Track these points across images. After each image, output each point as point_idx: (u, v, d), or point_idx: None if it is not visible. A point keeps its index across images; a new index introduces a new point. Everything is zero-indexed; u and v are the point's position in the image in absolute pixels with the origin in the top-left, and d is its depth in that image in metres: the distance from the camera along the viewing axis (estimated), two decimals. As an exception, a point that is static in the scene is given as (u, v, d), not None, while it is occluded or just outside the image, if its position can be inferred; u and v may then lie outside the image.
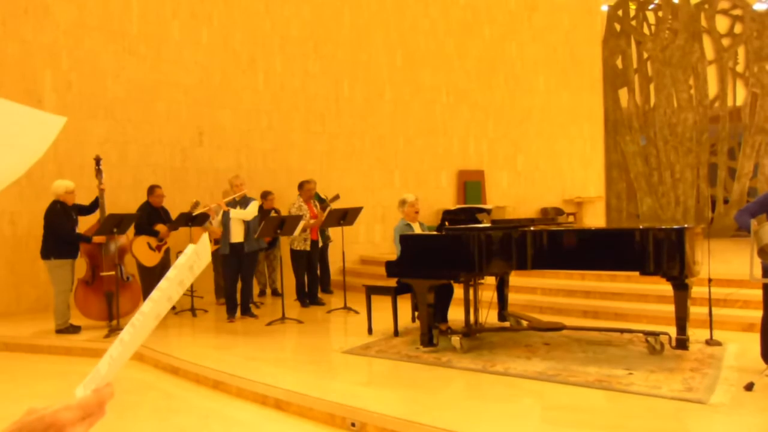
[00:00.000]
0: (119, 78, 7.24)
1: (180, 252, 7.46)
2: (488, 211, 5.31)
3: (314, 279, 6.76)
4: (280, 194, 7.79)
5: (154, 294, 0.74)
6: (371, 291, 5.11)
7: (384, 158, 9.23)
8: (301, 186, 6.68)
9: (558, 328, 4.53)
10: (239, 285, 6.03)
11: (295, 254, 6.66)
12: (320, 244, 6.81)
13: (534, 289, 6.23)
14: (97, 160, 5.60)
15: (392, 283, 5.03)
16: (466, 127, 9.91)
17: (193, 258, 0.78)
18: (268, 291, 7.63)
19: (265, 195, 7.39)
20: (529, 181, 10.27)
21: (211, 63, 7.86)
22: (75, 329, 5.40)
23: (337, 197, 7.24)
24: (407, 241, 4.44)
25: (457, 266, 4.22)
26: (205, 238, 0.78)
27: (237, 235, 5.87)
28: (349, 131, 8.91)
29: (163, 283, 0.75)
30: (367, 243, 8.95)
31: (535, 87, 10.40)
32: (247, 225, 5.89)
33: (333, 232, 7.00)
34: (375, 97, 9.18)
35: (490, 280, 5.10)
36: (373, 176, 9.12)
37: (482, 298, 4.85)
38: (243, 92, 8.10)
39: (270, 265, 7.57)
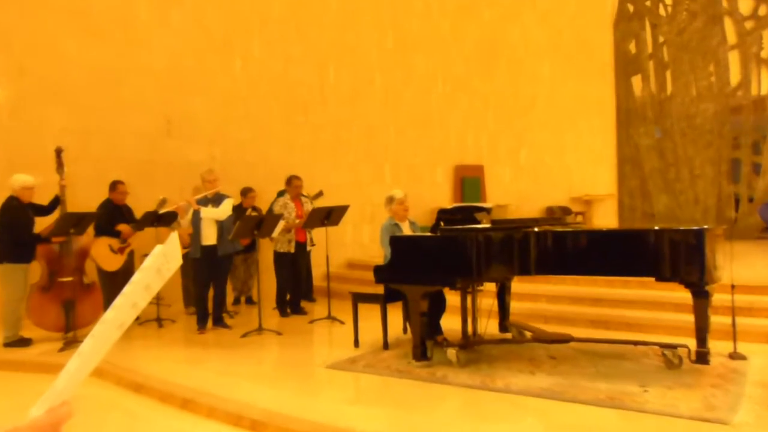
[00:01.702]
0: (80, 62, 7.13)
1: (146, 255, 7.42)
2: (488, 210, 5.27)
3: (297, 286, 6.73)
4: (259, 191, 7.73)
5: (118, 300, 0.68)
6: (358, 299, 5.08)
7: (373, 151, 9.19)
8: (289, 182, 6.67)
9: (565, 339, 4.50)
10: (211, 292, 5.99)
11: (277, 257, 6.63)
12: (309, 248, 6.81)
13: (538, 297, 6.22)
14: (58, 152, 5.50)
15: (381, 290, 4.98)
16: (463, 117, 9.90)
17: (161, 260, 0.72)
18: (243, 298, 7.59)
19: (246, 192, 7.34)
20: (533, 177, 10.27)
21: (182, 45, 7.79)
22: (25, 342, 5.30)
23: (320, 194, 7.17)
24: (397, 243, 4.42)
25: (453, 271, 4.19)
26: (174, 237, 0.71)
27: (209, 237, 5.83)
28: (334, 121, 8.88)
29: (127, 288, 0.69)
30: (354, 245, 8.92)
31: (539, 74, 10.39)
32: (221, 225, 5.84)
33: (316, 233, 6.96)
34: (363, 84, 9.14)
35: (490, 287, 5.08)
36: (361, 171, 9.09)
37: (481, 307, 4.82)
38: (217, 78, 8.03)
39: (247, 270, 7.53)
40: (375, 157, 9.21)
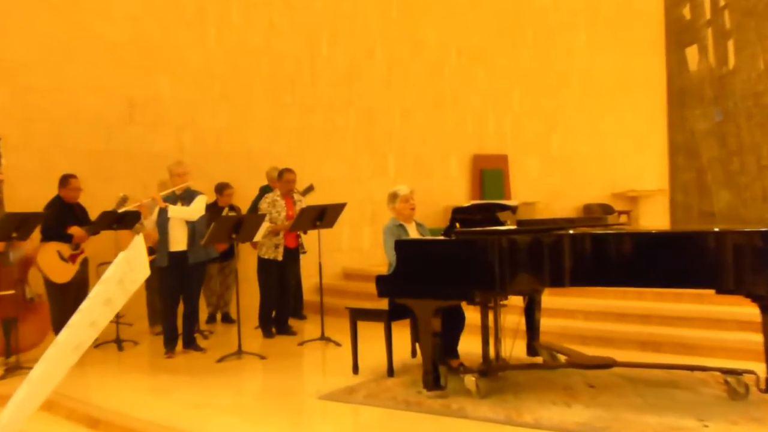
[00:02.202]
0: (21, 32, 7.15)
1: (104, 264, 7.49)
2: (513, 209, 5.31)
3: (285, 300, 6.77)
4: (237, 187, 7.75)
5: (73, 319, 0.69)
6: (357, 315, 5.09)
7: (374, 139, 9.21)
8: (281, 176, 6.71)
9: (606, 364, 4.50)
10: (181, 308, 6.01)
11: (262, 265, 6.66)
12: (301, 253, 6.85)
13: (574, 313, 6.23)
14: (-7, 141, 5.53)
15: (385, 304, 4.99)
16: (482, 97, 9.91)
17: (124, 269, 0.74)
18: (219, 315, 7.64)
19: (221, 188, 7.38)
20: (567, 169, 10.28)
21: (145, 14, 7.81)
22: (-43, 368, 5.32)
23: (310, 189, 7.19)
24: (404, 248, 4.43)
25: (471, 282, 4.20)
26: (139, 241, 0.72)
27: (178, 242, 5.86)
28: (327, 103, 8.90)
29: (84, 304, 0.70)
30: (351, 251, 8.93)
31: (574, 46, 10.40)
32: (192, 227, 5.86)
33: (307, 237, 6.97)
34: (362, 59, 9.15)
35: (516, 301, 5.08)
36: (359, 162, 9.10)
37: (505, 325, 4.82)
38: (188, 52, 8.05)
39: (224, 281, 7.54)
40: (376, 145, 9.22)
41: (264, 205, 6.60)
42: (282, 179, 6.69)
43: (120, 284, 0.61)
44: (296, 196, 6.77)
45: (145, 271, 0.64)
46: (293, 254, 6.75)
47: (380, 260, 8.48)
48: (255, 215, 6.47)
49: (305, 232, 6.83)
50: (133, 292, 0.62)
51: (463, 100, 9.81)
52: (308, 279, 7.63)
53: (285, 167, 6.83)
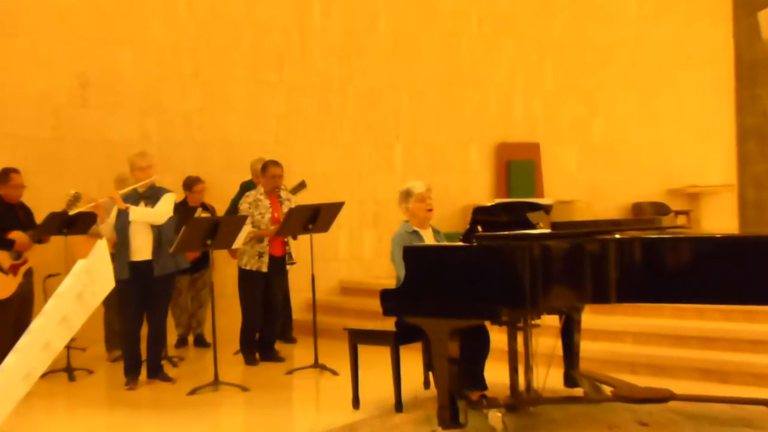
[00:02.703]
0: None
1: (52, 276, 7.49)
2: (546, 209, 5.31)
3: (271, 319, 6.79)
4: (212, 182, 7.75)
5: (22, 341, 0.68)
6: (358, 338, 5.09)
7: (378, 124, 9.20)
8: (265, 170, 6.70)
9: (662, 398, 4.48)
10: (145, 329, 6.01)
11: (244, 277, 6.67)
12: (287, 267, 6.86)
13: (621, 335, 6.21)
14: None
15: (391, 325, 4.99)
16: (509, 74, 9.90)
17: (84, 281, 0.73)
18: (191, 337, 7.64)
19: (191, 184, 7.38)
20: (613, 160, 10.25)
21: (100, -28, 7.83)
22: None
23: (301, 186, 7.17)
24: (415, 256, 4.42)
25: (496, 298, 4.19)
26: (101, 247, 0.72)
27: (141, 249, 5.86)
28: (321, 82, 8.89)
29: (36, 323, 0.70)
30: (350, 260, 8.92)
31: (620, 11, 10.37)
32: (158, 232, 5.87)
33: (296, 243, 6.97)
34: (363, 28, 9.15)
35: (551, 321, 5.07)
36: (360, 154, 9.10)
37: (538, 350, 4.78)
38: (152, 20, 8.06)
39: (197, 297, 7.55)
40: (380, 133, 9.21)
41: (244, 206, 6.60)
42: (266, 174, 6.68)
43: (79, 299, 0.61)
44: (283, 195, 6.77)
45: (109, 283, 0.65)
46: (280, 264, 6.73)
47: (385, 271, 8.46)
48: (234, 217, 6.46)
49: (294, 238, 6.83)
50: (94, 308, 0.62)
51: (486, 77, 9.78)
52: (298, 294, 7.62)
53: (270, 159, 6.83)
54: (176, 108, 8.16)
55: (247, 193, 6.76)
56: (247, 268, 6.60)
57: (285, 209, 6.55)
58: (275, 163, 6.73)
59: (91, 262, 0.63)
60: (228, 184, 7.77)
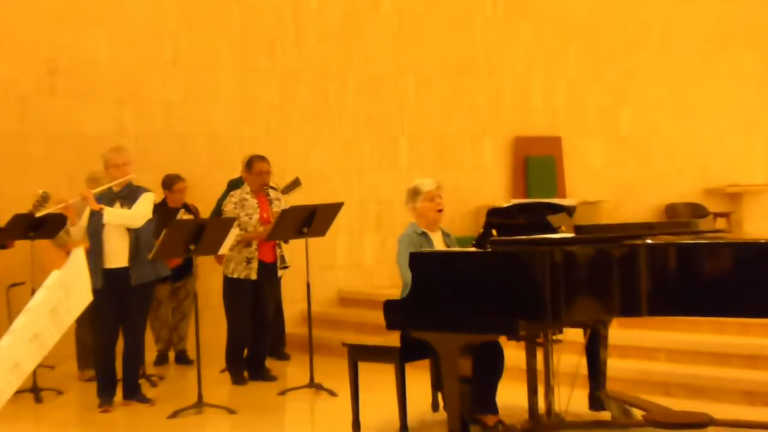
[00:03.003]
0: None
1: (16, 285, 7.42)
2: (569, 211, 5.30)
3: (261, 334, 6.79)
4: (196, 181, 7.77)
5: None
6: (358, 354, 5.09)
7: (381, 116, 9.20)
8: (250, 165, 6.71)
9: (700, 423, 4.48)
10: (121, 344, 6.01)
11: (230, 287, 6.68)
12: (279, 272, 6.85)
13: (654, 352, 6.19)
14: None
15: (396, 340, 4.99)
16: (527, 59, 9.88)
17: (58, 295, 0.77)
18: (172, 354, 7.64)
19: (170, 183, 7.38)
20: (644, 156, 10.23)
21: (71, -54, 7.84)
22: None
23: (295, 184, 7.18)
24: (423, 263, 4.44)
25: (513, 309, 4.20)
26: (78, 256, 0.77)
27: (116, 255, 5.86)
28: (318, 68, 8.89)
29: (4, 341, 0.74)
30: (350, 267, 8.92)
31: (652, -13, 10.35)
32: (135, 236, 5.87)
33: (289, 247, 6.98)
34: (364, 8, 9.16)
35: (574, 336, 5.07)
36: (361, 148, 9.10)
37: (560, 369, 4.79)
38: (130, 1, 8.06)
39: (179, 309, 7.58)
40: (383, 125, 9.21)
41: (229, 206, 6.61)
42: (252, 170, 6.69)
43: (53, 314, 0.64)
44: (272, 194, 6.78)
45: (87, 297, 0.67)
46: (271, 272, 6.73)
47: (389, 279, 8.45)
48: (221, 219, 6.47)
49: (286, 242, 6.82)
50: (69, 324, 0.64)
51: (501, 63, 9.78)
52: (292, 305, 7.63)
53: (255, 155, 6.82)
54: (156, 97, 8.16)
55: (231, 193, 6.77)
56: (234, 276, 6.59)
57: (275, 209, 6.58)
58: (261, 158, 6.74)
59: (67, 274, 0.65)
60: (213, 183, 7.77)
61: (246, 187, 6.72)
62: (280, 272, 6.86)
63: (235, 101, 8.51)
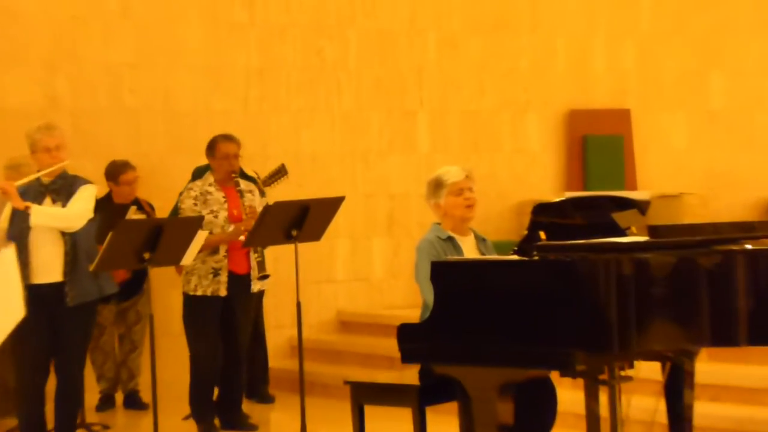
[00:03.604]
0: None
1: None
2: (641, 207, 5.30)
3: (234, 368, 6.79)
4: (152, 170, 7.77)
5: None
6: (364, 396, 5.11)
7: (392, 84, 9.23)
8: (213, 147, 6.71)
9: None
10: (53, 383, 5.97)
11: (194, 306, 6.68)
12: (255, 285, 6.79)
13: (757, 394, 6.13)
14: None
15: (414, 376, 4.99)
16: (586, 10, 9.88)
17: None
18: (120, 396, 7.63)
19: (116, 173, 7.41)
20: (740, 135, 10.20)
21: None
22: None
23: (280, 174, 7.16)
24: (449, 276, 4.42)
25: (567, 336, 4.16)
26: (5, 260, 0.67)
27: (47, 267, 5.86)
28: (310, 23, 8.94)
29: None
30: (354, 282, 8.94)
31: None
32: (72, 242, 5.86)
33: (274, 256, 6.95)
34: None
35: (649, 371, 5.03)
36: (366, 126, 9.14)
37: (630, 415, 4.77)
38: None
39: (128, 336, 7.57)
40: (396, 95, 9.23)
41: (187, 202, 6.57)
42: (215, 154, 6.65)
43: None
44: (244, 185, 6.73)
45: (17, 312, 0.59)
46: (244, 285, 6.70)
47: (403, 297, 8.47)
48: (185, 218, 6.46)
49: (263, 247, 6.75)
50: None
51: (550, 16, 9.81)
52: (277, 331, 7.64)
53: (220, 134, 6.80)
54: (98, 61, 8.19)
55: (189, 185, 6.77)
56: (198, 293, 6.56)
57: (247, 203, 6.57)
58: (227, 138, 6.71)
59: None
60: (174, 172, 7.81)
61: (209, 177, 6.70)
62: (256, 285, 6.77)
63: (202, 66, 8.54)
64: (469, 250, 5.12)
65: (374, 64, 9.13)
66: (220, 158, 6.63)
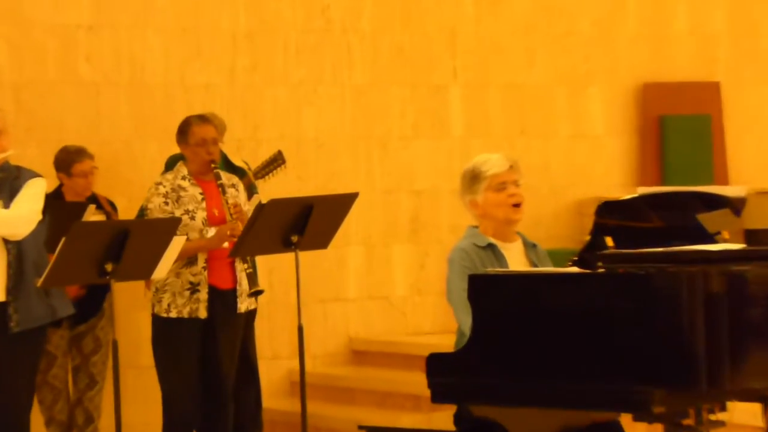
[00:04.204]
0: None
1: None
2: (735, 207, 5.26)
3: (220, 408, 6.80)
4: (114, 159, 7.82)
5: None
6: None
7: (418, 51, 9.27)
8: (185, 131, 6.73)
9: None
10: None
11: (166, 331, 6.71)
12: (242, 304, 6.80)
13: None
14: None
15: (446, 419, 5.01)
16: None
17: None
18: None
19: (68, 162, 7.39)
20: None
21: None
22: None
23: (276, 163, 7.20)
24: (489, 293, 4.45)
25: (642, 370, 4.17)
26: None
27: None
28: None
29: None
30: (369, 301, 8.98)
31: None
32: (17, 252, 5.90)
33: (268, 267, 6.96)
34: None
35: (746, 414, 5.04)
36: (385, 103, 9.17)
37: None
38: None
39: (84, 368, 7.59)
40: (422, 65, 9.28)
41: (156, 200, 6.56)
42: (189, 140, 6.66)
43: None
44: (225, 177, 6.73)
45: None
46: (229, 304, 6.71)
47: (434, 321, 8.50)
48: (159, 220, 6.48)
49: (246, 259, 6.79)
50: None
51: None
52: (274, 363, 7.68)
53: (197, 115, 6.87)
54: (48, 21, 8.23)
55: (159, 178, 6.80)
56: (172, 315, 6.59)
57: (231, 201, 6.57)
58: (202, 120, 6.76)
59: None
60: (142, 162, 7.86)
61: (182, 169, 6.70)
62: (244, 303, 6.77)
63: (176, 28, 8.59)
64: (516, 260, 5.10)
65: (394, 26, 9.18)
66: (195, 145, 6.61)
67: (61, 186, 7.38)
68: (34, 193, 5.91)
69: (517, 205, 5.10)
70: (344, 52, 8.99)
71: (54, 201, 6.85)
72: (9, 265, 5.84)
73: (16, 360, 5.94)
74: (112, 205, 7.53)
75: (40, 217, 5.90)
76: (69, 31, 8.25)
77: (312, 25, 8.89)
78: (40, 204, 5.92)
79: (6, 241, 5.83)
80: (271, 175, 7.21)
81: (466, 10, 9.30)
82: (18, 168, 6.03)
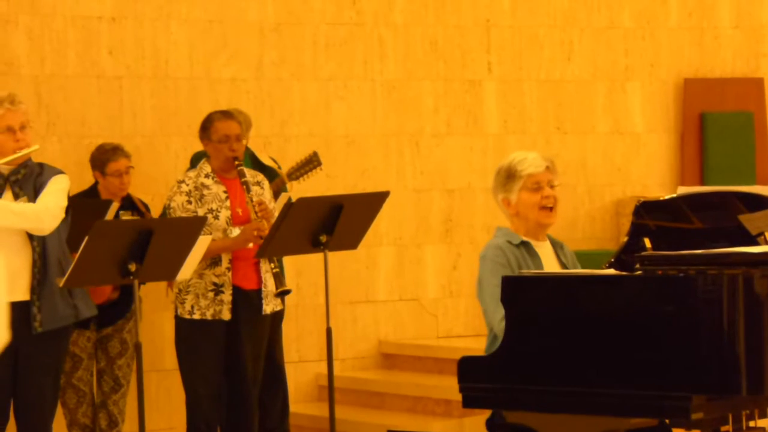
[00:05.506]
0: None
1: None
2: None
3: (245, 413, 6.82)
4: (138, 154, 7.86)
5: None
6: (414, 451, 5.13)
7: (451, 43, 9.27)
8: (208, 127, 6.76)
9: None
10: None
11: (189, 334, 6.74)
12: (268, 305, 6.83)
13: None
14: None
15: (477, 425, 5.03)
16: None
17: None
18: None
19: (104, 158, 7.37)
20: None
21: None
22: None
23: (312, 164, 7.21)
24: (524, 295, 4.47)
25: (680, 375, 4.18)
26: None
27: (9, 282, 5.74)
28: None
29: None
30: (400, 303, 8.98)
31: None
32: (42, 249, 5.92)
33: (295, 267, 6.98)
34: None
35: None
36: (417, 98, 9.17)
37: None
38: None
39: (108, 371, 7.60)
40: (456, 59, 9.27)
41: (178, 199, 6.58)
42: (212, 136, 6.68)
43: None
44: (250, 176, 6.73)
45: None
46: (254, 305, 6.75)
47: (466, 323, 8.48)
48: (184, 219, 6.50)
49: (272, 259, 6.81)
50: None
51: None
52: (301, 367, 7.69)
53: (219, 111, 6.89)
54: (66, 14, 8.25)
55: (181, 176, 6.82)
56: (195, 316, 6.62)
57: (256, 199, 6.58)
58: (226, 116, 6.78)
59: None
60: (166, 158, 7.92)
61: (205, 166, 6.73)
62: (269, 305, 6.80)
63: (202, 20, 8.61)
64: (548, 260, 5.13)
65: (427, 19, 9.16)
66: (218, 141, 6.64)
67: (96, 184, 7.37)
68: (59, 189, 5.92)
69: (549, 210, 5.11)
70: (375, 46, 9.00)
71: (77, 198, 6.86)
72: (33, 264, 5.85)
73: (39, 362, 5.94)
74: (146, 205, 7.52)
75: (63, 215, 5.90)
76: (91, 23, 8.27)
77: (342, 18, 8.90)
78: (65, 200, 5.93)
79: (31, 239, 5.84)
80: (306, 176, 7.21)
81: (502, 1, 9.28)
82: (40, 165, 6.05)
